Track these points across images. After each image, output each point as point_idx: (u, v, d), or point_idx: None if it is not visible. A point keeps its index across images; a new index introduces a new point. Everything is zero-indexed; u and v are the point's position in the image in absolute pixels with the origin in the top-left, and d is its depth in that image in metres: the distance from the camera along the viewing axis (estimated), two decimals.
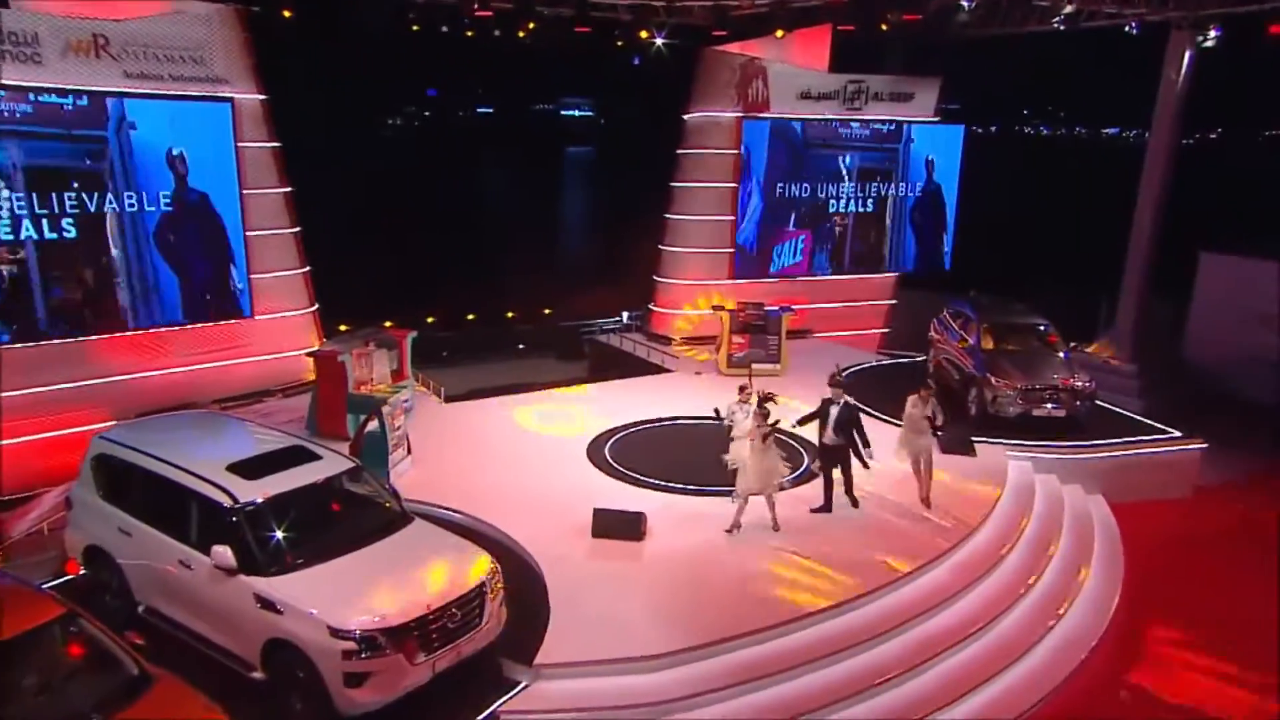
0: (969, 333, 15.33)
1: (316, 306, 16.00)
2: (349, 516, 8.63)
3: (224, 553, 7.80)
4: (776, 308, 17.83)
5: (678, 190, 19.79)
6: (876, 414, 13.86)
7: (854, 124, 19.84)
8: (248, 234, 14.76)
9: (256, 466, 8.52)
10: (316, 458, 8.88)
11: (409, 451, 12.31)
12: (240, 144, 14.47)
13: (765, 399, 10.29)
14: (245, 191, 14.66)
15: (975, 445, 13.31)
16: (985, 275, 18.00)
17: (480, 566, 8.27)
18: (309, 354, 14.19)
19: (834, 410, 10.82)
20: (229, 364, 14.86)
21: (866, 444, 10.81)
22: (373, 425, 11.82)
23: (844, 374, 11.32)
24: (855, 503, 11.12)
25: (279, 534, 8.03)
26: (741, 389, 11.20)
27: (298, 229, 15.55)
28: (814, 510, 11.02)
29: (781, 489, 10.52)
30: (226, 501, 8.10)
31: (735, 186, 19.41)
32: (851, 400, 11.01)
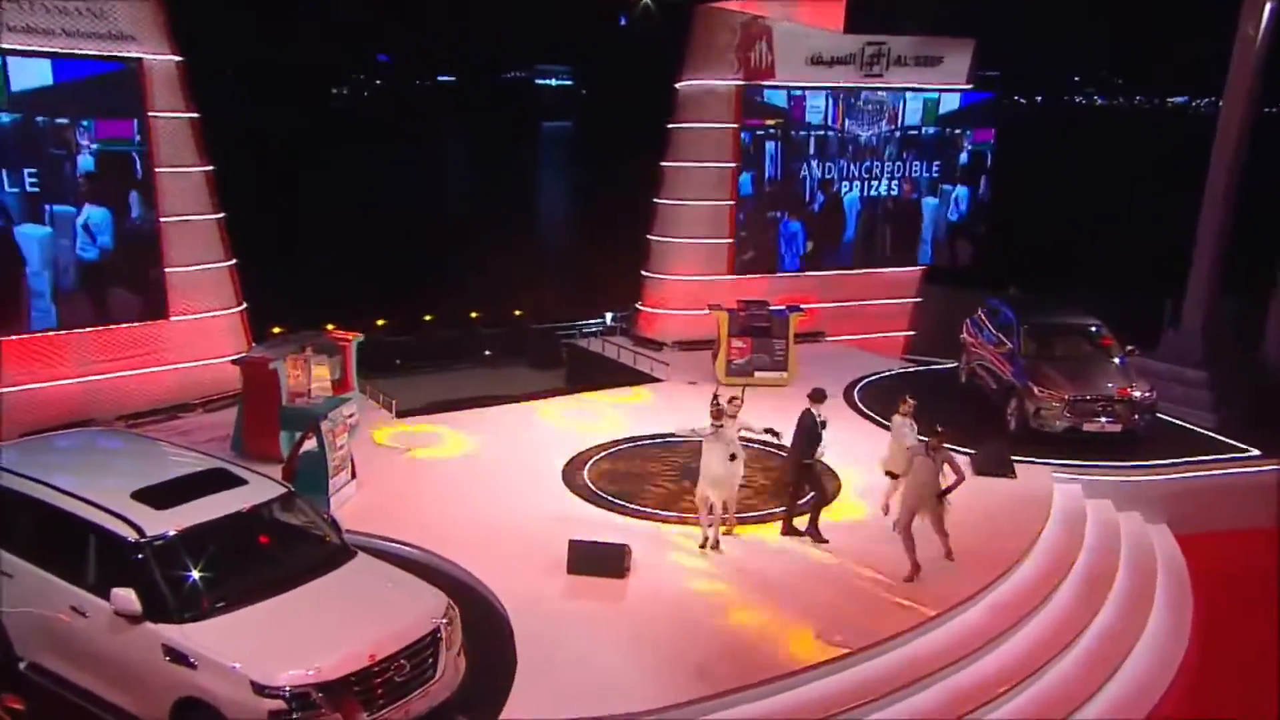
0: (1007, 335, 15.42)
1: (244, 306, 15.96)
2: (279, 551, 8.62)
3: (127, 596, 7.72)
4: (783, 307, 17.88)
5: (669, 171, 19.85)
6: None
7: (874, 93, 19.95)
8: (161, 220, 14.71)
9: (168, 493, 8.47)
10: (241, 482, 8.86)
11: (353, 475, 12.33)
12: (151, 114, 14.42)
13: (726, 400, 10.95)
14: (158, 170, 14.61)
15: (1015, 466, 13.35)
16: (1027, 269, 18.17)
17: (435, 609, 8.25)
18: (235, 361, 14.18)
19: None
20: (138, 373, 14.78)
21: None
22: (310, 444, 11.81)
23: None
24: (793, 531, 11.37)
25: (194, 573, 7.98)
26: (730, 400, 11.21)
27: (221, 215, 15.52)
28: (812, 537, 11.26)
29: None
30: (130, 535, 8.02)
31: (735, 166, 19.51)
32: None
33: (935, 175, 20.85)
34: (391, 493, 12.39)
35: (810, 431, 11.30)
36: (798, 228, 20.19)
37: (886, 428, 12.58)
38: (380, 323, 21.74)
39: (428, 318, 23.04)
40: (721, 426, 10.84)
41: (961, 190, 21.01)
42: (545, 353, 21.59)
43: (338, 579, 8.37)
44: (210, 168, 15.31)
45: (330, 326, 16.64)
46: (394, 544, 10.81)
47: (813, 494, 11.59)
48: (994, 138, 20.90)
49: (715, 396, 11.26)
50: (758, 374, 16.80)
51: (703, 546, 10.98)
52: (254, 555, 8.48)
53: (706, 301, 18.68)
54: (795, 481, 11.50)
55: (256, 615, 7.79)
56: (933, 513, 10.77)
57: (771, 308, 17.65)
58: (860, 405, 16.19)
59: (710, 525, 11.00)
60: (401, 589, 8.52)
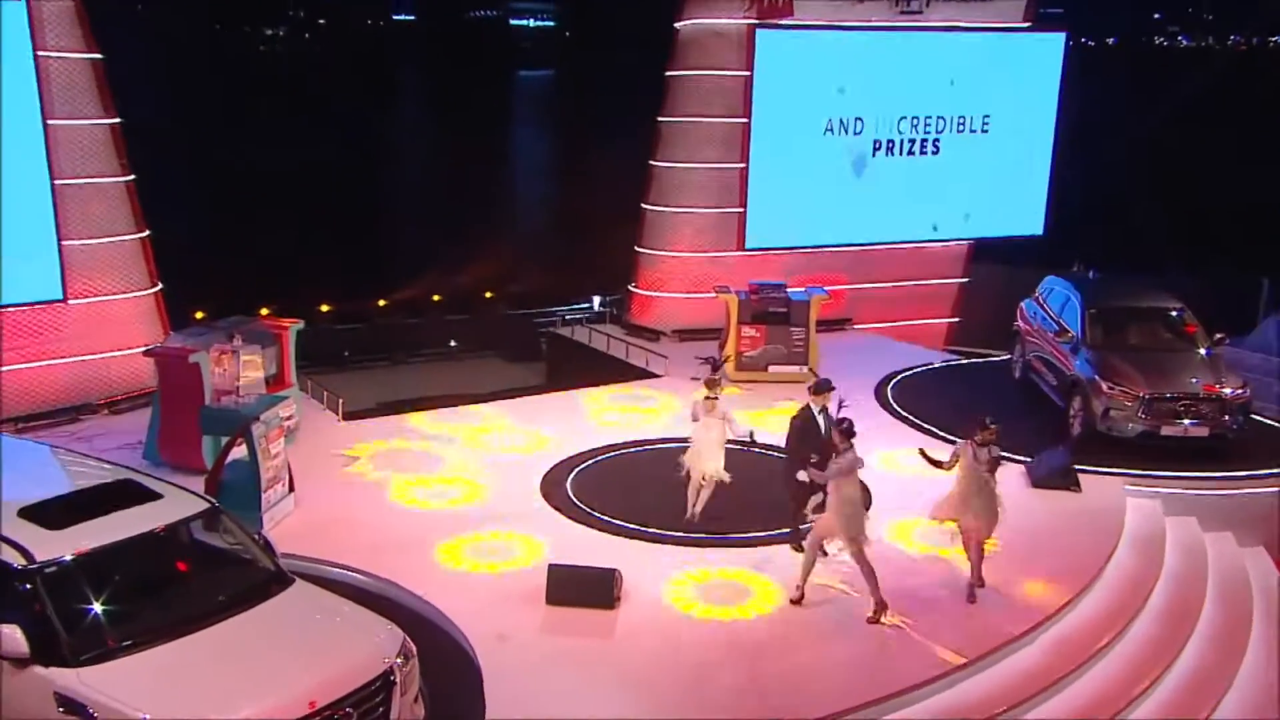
0: (1071, 321, 15.46)
1: (160, 287, 15.96)
2: (200, 579, 8.58)
3: (11, 635, 7.59)
4: (803, 289, 17.91)
5: (667, 128, 19.88)
6: (944, 436, 13.88)
7: (912, 33, 19.87)
8: (56, 183, 14.65)
9: (65, 511, 8.40)
10: (154, 497, 8.81)
11: (290, 488, 12.34)
12: (41, 53, 14.33)
13: (715, 366, 11.60)
14: (51, 122, 14.54)
15: (1079, 477, 13.35)
16: (1094, 242, 18.13)
17: (387, 647, 8.21)
18: (148, 352, 14.15)
19: (822, 420, 11.43)
20: (29, 367, 14.73)
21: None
22: (239, 452, 11.79)
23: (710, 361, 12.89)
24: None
25: (95, 606, 7.89)
26: (710, 383, 11.77)
27: (131, 177, 15.47)
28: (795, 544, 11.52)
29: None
30: (16, 561, 7.91)
31: (746, 122, 19.48)
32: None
33: (986, 130, 20.83)
34: (336, 509, 12.39)
35: (806, 430, 11.39)
36: (823, 192, 20.18)
37: (924, 430, 12.53)
38: (325, 308, 21.79)
39: (382, 302, 23.08)
40: (715, 399, 11.50)
41: (1021, 148, 21.00)
42: (521, 343, 21.82)
43: (271, 612, 8.32)
44: (117, 120, 15.22)
45: (264, 311, 16.71)
46: (339, 570, 10.81)
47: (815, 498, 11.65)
48: (1058, 86, 20.91)
49: (711, 361, 11.92)
50: (772, 368, 16.88)
51: (689, 520, 11.89)
52: (169, 584, 8.43)
53: (712, 283, 18.73)
54: (794, 492, 11.58)
55: (171, 656, 7.71)
56: (975, 526, 10.76)
57: (789, 290, 17.69)
58: (895, 405, 16.19)
59: (697, 494, 11.88)
60: (347, 623, 8.47)
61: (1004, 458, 11.09)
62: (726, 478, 11.85)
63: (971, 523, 10.76)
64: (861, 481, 10.66)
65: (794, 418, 11.60)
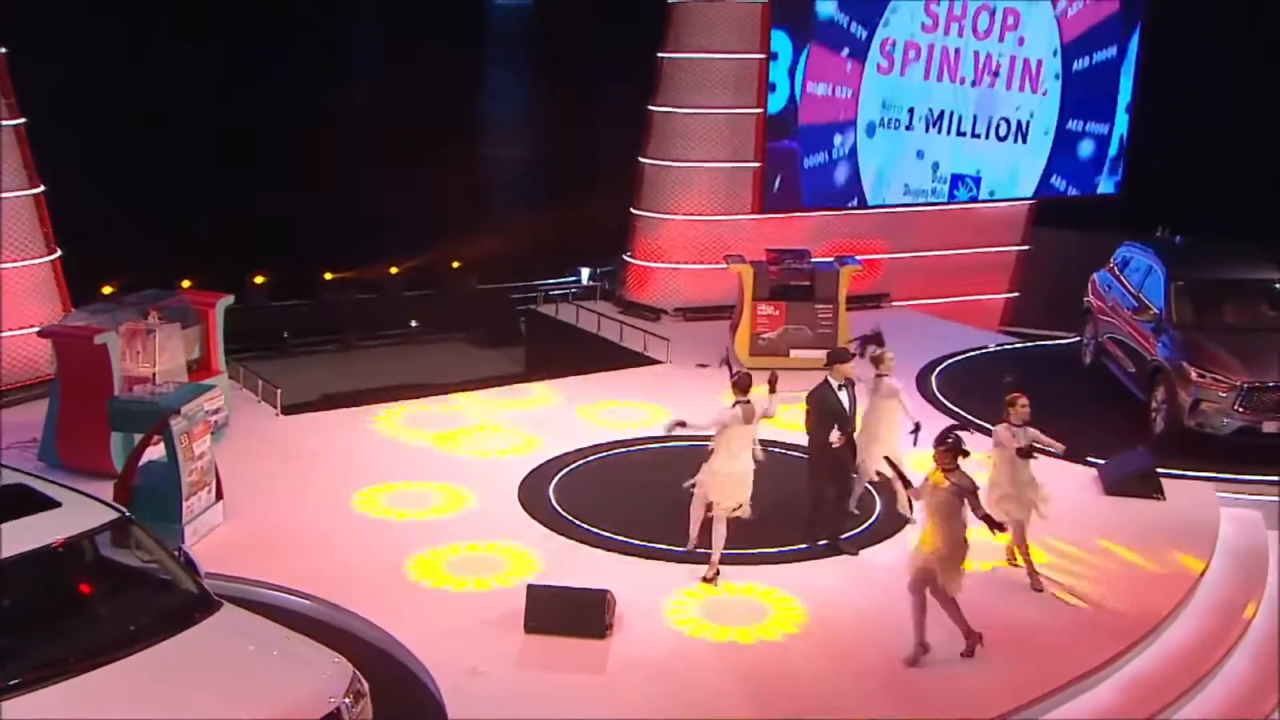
0: (1153, 296, 15.50)
1: (58, 254, 15.94)
2: (107, 604, 8.57)
3: None
4: (831, 259, 17.89)
5: (669, 67, 19.87)
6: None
7: None
8: None
9: None
10: (50, 505, 8.76)
11: (218, 495, 12.34)
12: None
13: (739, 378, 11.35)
14: None
15: (1162, 482, 13.35)
16: (1180, 201, 18.03)
17: (334, 684, 8.19)
18: (43, 333, 14.11)
19: (845, 396, 11.72)
20: None
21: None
22: (155, 452, 11.76)
23: (858, 343, 12.68)
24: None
25: None
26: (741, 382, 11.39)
27: (20, 120, 15.43)
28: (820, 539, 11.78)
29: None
30: None
31: (764, 58, 19.40)
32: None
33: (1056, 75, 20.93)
34: (272, 520, 12.38)
35: (825, 409, 11.57)
36: (855, 144, 20.14)
37: (977, 426, 12.51)
38: (260, 279, 21.68)
39: (328, 274, 22.98)
40: (749, 403, 11.12)
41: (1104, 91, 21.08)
42: (496, 324, 21.88)
43: (193, 642, 8.29)
44: (1, 50, 15.16)
45: (186, 284, 16.60)
46: (276, 592, 10.80)
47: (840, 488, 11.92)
48: (1138, 24, 21.05)
49: (727, 364, 11.82)
50: (794, 353, 16.88)
51: (691, 549, 11.60)
52: (67, 611, 8.40)
53: (723, 252, 18.73)
54: (814, 480, 11.75)
55: (69, 698, 7.64)
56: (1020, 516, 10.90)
57: (814, 260, 17.69)
58: (941, 397, 16.26)
59: (699, 522, 11.53)
60: (285, 656, 8.45)
61: (1038, 448, 11.12)
62: (748, 513, 11.46)
63: (1015, 516, 11.00)
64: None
65: (810, 394, 11.74)
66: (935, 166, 20.67)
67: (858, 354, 12.40)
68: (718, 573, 11.30)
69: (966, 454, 9.86)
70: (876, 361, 12.29)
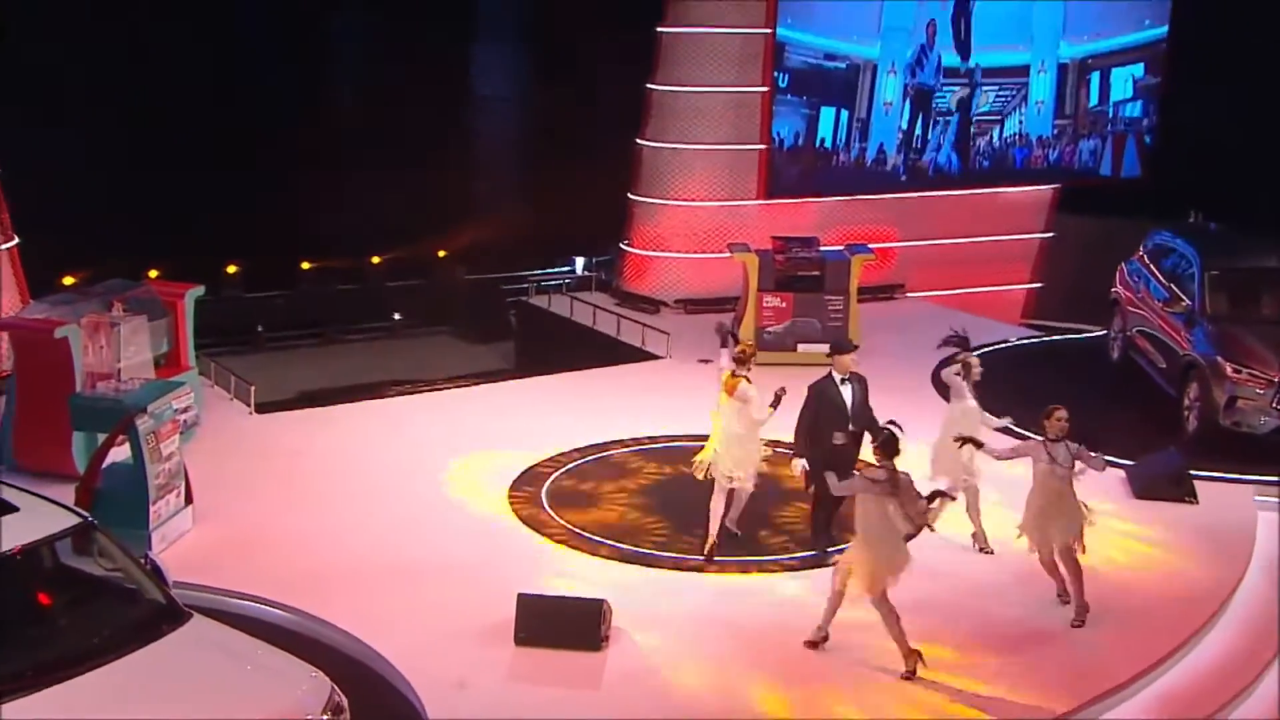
0: (1185, 287, 15.47)
1: (16, 241, 15.91)
2: (68, 615, 8.53)
3: None
4: (842, 247, 17.88)
5: (669, 41, 19.82)
6: (1024, 435, 13.84)
7: None
8: None
9: None
10: (8, 510, 8.71)
11: (187, 499, 12.33)
12: None
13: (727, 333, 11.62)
14: None
15: (1195, 485, 13.34)
16: (1215, 184, 17.97)
17: (310, 699, 8.16)
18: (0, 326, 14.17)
19: (848, 391, 11.69)
20: None
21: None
22: (120, 453, 11.72)
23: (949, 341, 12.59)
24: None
25: None
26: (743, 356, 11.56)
27: None
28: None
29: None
30: None
31: (769, 33, 19.40)
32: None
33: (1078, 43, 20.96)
34: (247, 526, 12.37)
35: (825, 404, 11.53)
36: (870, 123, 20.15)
37: (1002, 430, 12.50)
38: (232, 269, 21.63)
39: (306, 264, 22.94)
40: (747, 375, 11.40)
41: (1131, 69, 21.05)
42: (484, 316, 21.79)
43: (160, 655, 8.25)
44: None
45: (153, 274, 16.56)
46: (250, 602, 10.77)
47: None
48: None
49: (722, 329, 12.03)
50: (802, 347, 16.85)
51: (709, 557, 11.69)
52: (26, 622, 8.35)
53: (726, 240, 18.73)
54: (815, 483, 11.70)
55: (26, 714, 7.62)
56: (1062, 537, 10.72)
57: (824, 248, 17.67)
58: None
59: (721, 518, 11.72)
60: (259, 670, 8.42)
61: (1100, 459, 10.95)
62: (748, 485, 11.78)
63: (1053, 541, 10.75)
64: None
65: (812, 387, 11.71)
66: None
67: (951, 359, 12.37)
68: (715, 545, 11.65)
69: (898, 452, 9.93)
70: (966, 369, 12.08)
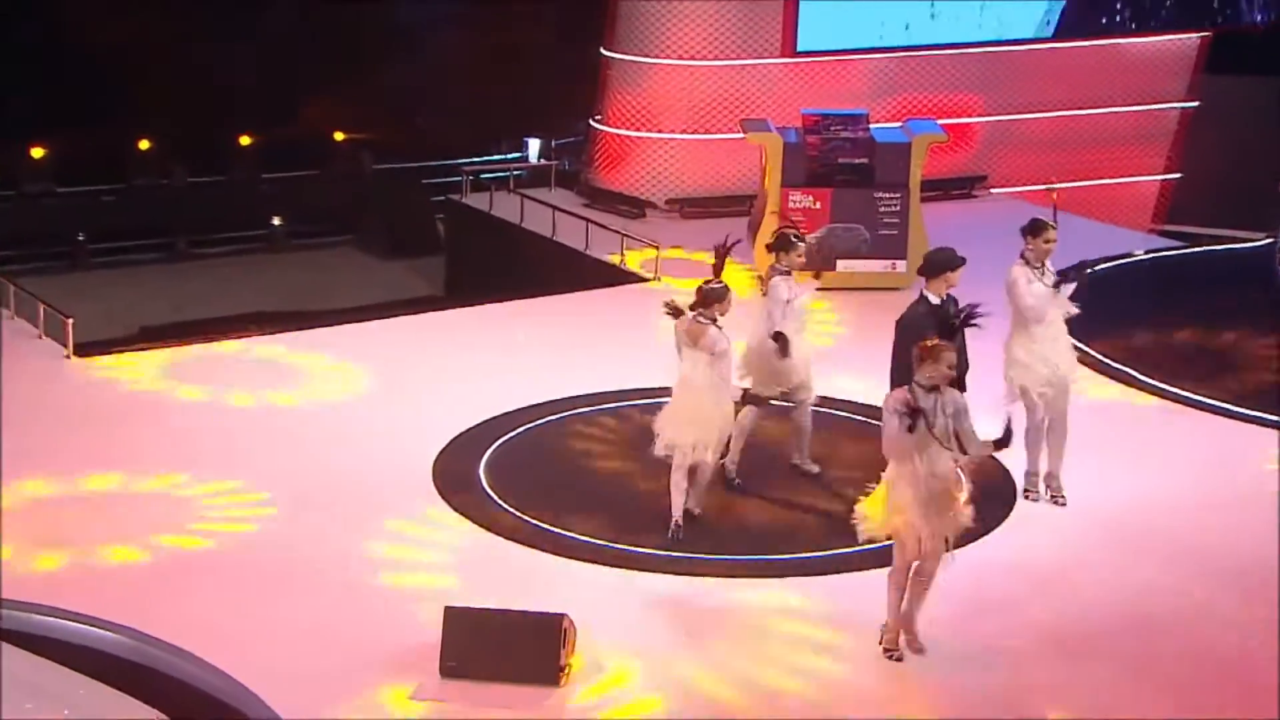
0: None
1: None
2: None
3: None
4: (899, 124, 18.20)
5: None
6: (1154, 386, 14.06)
7: None
8: None
9: None
10: None
11: None
12: None
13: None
14: None
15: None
16: None
17: None
18: None
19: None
20: None
21: None
22: None
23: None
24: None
25: None
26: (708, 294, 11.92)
27: None
28: None
29: None
30: None
31: None
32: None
33: None
34: (58, 514, 12.42)
35: (928, 329, 11.19)
36: None
37: (1125, 379, 12.61)
38: (38, 153, 21.65)
39: (144, 143, 22.95)
40: (712, 322, 11.90)
41: None
42: (399, 223, 21.87)
43: None
44: None
45: None
46: (60, 620, 10.73)
47: None
48: None
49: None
50: (844, 265, 16.91)
51: (674, 535, 12.18)
52: None
53: (739, 115, 19.02)
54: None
55: None
56: None
57: (874, 126, 17.85)
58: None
59: (685, 493, 12.22)
60: (75, 711, 8.53)
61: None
62: (710, 458, 12.19)
63: (918, 533, 10.36)
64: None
65: (901, 318, 11.84)
66: None
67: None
68: (679, 526, 12.18)
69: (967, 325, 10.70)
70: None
